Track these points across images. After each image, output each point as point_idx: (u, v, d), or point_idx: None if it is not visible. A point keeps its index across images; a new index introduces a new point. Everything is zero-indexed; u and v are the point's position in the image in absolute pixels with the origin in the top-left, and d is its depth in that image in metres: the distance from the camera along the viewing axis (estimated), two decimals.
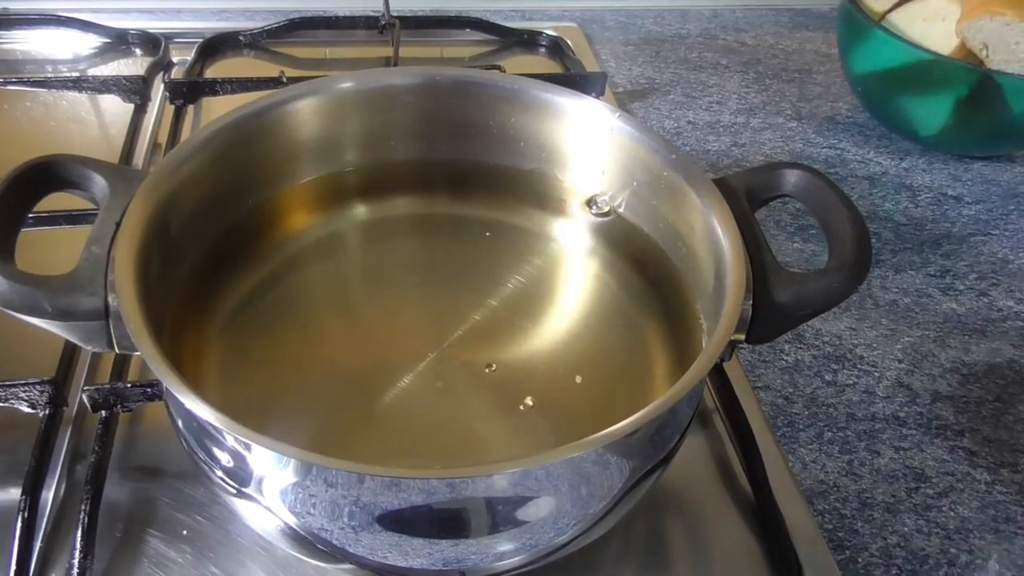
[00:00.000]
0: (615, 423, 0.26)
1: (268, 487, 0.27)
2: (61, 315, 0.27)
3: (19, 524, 0.32)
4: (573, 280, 0.39)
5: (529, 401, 0.33)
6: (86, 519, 0.33)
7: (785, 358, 0.45)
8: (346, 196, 0.40)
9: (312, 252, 0.38)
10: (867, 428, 0.42)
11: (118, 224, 0.30)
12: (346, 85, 0.38)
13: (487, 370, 0.34)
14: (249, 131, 0.36)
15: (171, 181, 0.32)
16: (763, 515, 0.36)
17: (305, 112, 0.37)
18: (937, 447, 0.41)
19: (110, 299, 0.28)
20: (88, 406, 0.36)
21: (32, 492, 0.33)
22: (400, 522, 0.26)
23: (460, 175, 0.42)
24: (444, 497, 0.25)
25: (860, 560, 0.36)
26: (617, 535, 0.35)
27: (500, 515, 0.27)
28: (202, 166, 0.34)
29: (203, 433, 0.28)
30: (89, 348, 0.29)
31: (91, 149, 0.56)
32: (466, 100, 0.39)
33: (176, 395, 0.25)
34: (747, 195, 0.35)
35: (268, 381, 0.33)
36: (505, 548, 0.28)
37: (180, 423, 0.29)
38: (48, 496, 0.35)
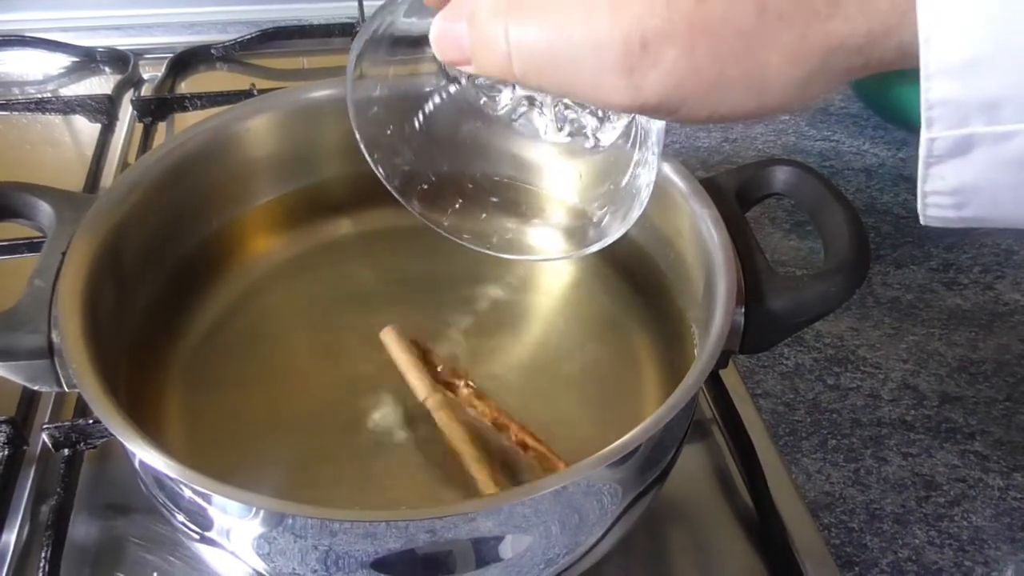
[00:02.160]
0: (606, 445, 0.24)
1: (233, 533, 0.25)
2: (0, 355, 0.26)
3: None
4: (557, 291, 0.38)
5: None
6: (47, 567, 0.31)
7: (785, 362, 0.44)
8: (312, 213, 0.39)
9: (279, 275, 0.37)
10: (873, 434, 0.40)
11: (64, 254, 0.28)
12: (305, 97, 0.36)
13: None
14: (204, 151, 0.34)
15: (122, 207, 0.30)
16: (766, 531, 0.34)
17: (264, 127, 0.36)
18: (947, 452, 0.39)
19: (54, 336, 0.26)
20: (49, 445, 0.34)
21: None
22: (379, 565, 0.24)
23: None
24: (424, 541, 0.24)
25: None
26: (615, 556, 0.33)
27: (485, 552, 0.25)
28: (155, 190, 0.32)
29: (159, 479, 0.26)
30: (36, 388, 0.27)
31: (60, 172, 0.54)
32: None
33: (123, 441, 0.23)
34: (737, 195, 0.33)
35: (237, 415, 0.32)
36: None
37: (136, 464, 0.27)
38: (10, 539, 0.33)
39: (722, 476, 0.37)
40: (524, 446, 0.29)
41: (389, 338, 0.32)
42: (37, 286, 0.27)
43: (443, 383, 0.31)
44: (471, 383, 0.31)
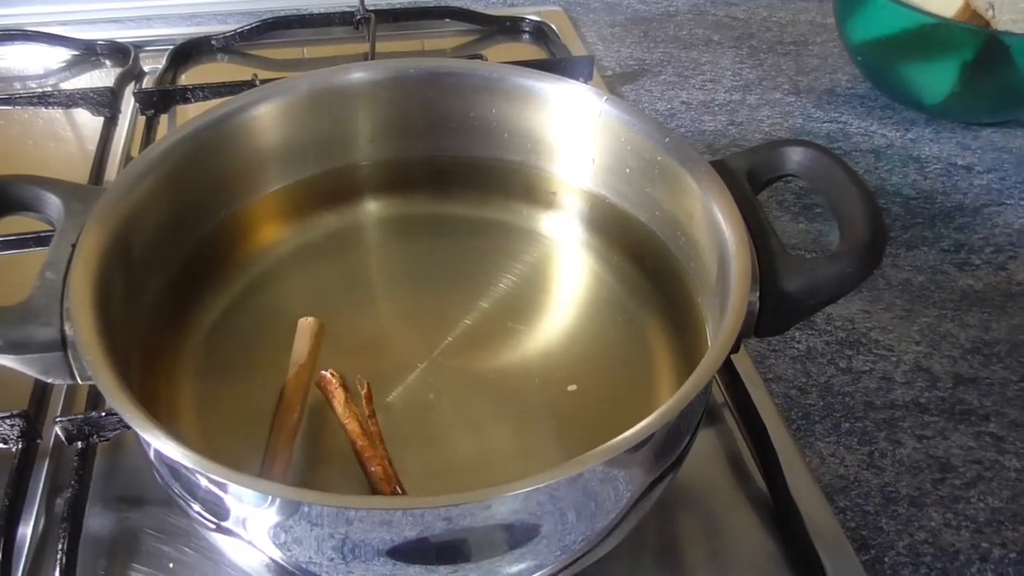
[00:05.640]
0: (620, 430, 0.24)
1: (249, 522, 0.25)
2: (14, 348, 0.26)
3: None
4: (567, 277, 0.37)
5: (526, 411, 0.31)
6: (64, 559, 0.31)
7: (796, 346, 0.43)
8: (321, 202, 0.38)
9: (288, 264, 0.36)
10: (887, 417, 0.40)
11: (74, 246, 0.28)
12: (313, 84, 0.36)
13: (480, 379, 0.32)
14: (211, 140, 0.34)
15: (130, 198, 0.30)
16: (781, 515, 0.34)
17: (271, 116, 0.35)
18: (962, 434, 0.39)
19: (66, 328, 0.26)
20: (63, 438, 0.34)
21: (6, 533, 0.32)
22: (394, 552, 0.24)
23: (442, 172, 0.40)
24: (439, 529, 0.23)
25: (887, 560, 0.34)
26: (627, 542, 0.33)
27: (500, 539, 0.25)
28: (163, 180, 0.32)
29: (175, 469, 0.26)
30: (50, 381, 0.27)
31: (64, 166, 0.54)
32: (443, 92, 0.37)
33: (139, 432, 0.23)
34: (748, 177, 0.33)
35: (249, 403, 0.31)
36: (509, 571, 0.26)
37: (151, 455, 0.27)
38: (26, 532, 0.33)
39: (735, 461, 0.37)
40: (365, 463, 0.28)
41: (303, 327, 0.32)
42: (48, 279, 0.26)
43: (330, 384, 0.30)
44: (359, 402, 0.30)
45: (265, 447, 0.29)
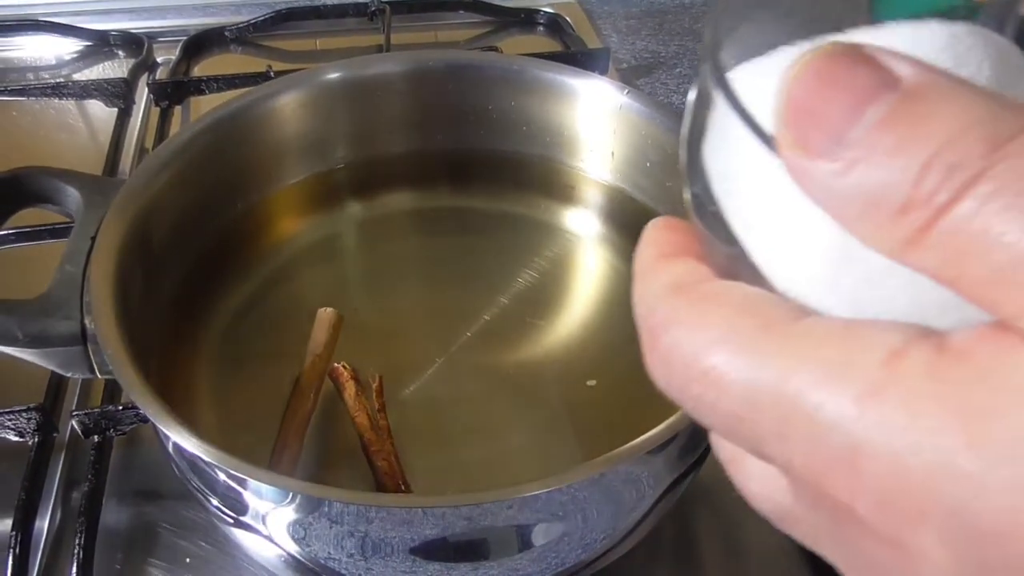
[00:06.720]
0: (640, 426, 0.24)
1: (268, 518, 0.25)
2: (34, 342, 0.25)
3: (10, 561, 0.30)
4: (586, 271, 0.37)
5: (545, 406, 0.31)
6: (81, 553, 0.31)
7: None
8: (340, 194, 0.38)
9: (307, 256, 0.36)
10: None
11: (93, 239, 0.28)
12: (332, 76, 0.36)
13: (499, 375, 0.32)
14: (230, 132, 0.33)
15: (149, 190, 0.30)
16: None
17: (290, 107, 0.35)
18: None
19: (87, 322, 0.26)
20: (79, 432, 0.34)
21: (23, 527, 0.32)
22: (414, 550, 0.24)
23: (461, 165, 0.39)
24: (461, 527, 0.23)
25: None
26: (644, 538, 0.32)
27: (521, 538, 0.25)
28: (182, 172, 0.32)
29: (194, 464, 0.26)
30: (70, 375, 0.27)
31: (77, 158, 0.53)
32: (463, 84, 0.37)
33: (160, 427, 0.23)
34: None
35: (267, 396, 0.31)
36: (529, 569, 0.26)
37: (170, 449, 0.27)
38: (43, 526, 0.33)
39: None
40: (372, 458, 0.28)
41: (322, 317, 0.32)
42: (68, 271, 0.26)
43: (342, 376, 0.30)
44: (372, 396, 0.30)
45: (276, 435, 0.29)
